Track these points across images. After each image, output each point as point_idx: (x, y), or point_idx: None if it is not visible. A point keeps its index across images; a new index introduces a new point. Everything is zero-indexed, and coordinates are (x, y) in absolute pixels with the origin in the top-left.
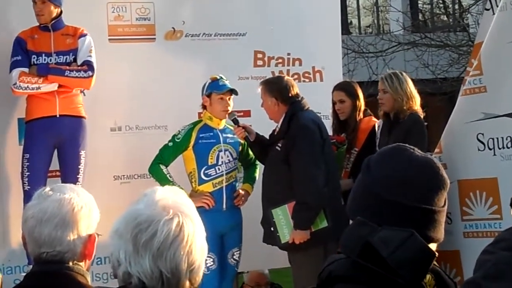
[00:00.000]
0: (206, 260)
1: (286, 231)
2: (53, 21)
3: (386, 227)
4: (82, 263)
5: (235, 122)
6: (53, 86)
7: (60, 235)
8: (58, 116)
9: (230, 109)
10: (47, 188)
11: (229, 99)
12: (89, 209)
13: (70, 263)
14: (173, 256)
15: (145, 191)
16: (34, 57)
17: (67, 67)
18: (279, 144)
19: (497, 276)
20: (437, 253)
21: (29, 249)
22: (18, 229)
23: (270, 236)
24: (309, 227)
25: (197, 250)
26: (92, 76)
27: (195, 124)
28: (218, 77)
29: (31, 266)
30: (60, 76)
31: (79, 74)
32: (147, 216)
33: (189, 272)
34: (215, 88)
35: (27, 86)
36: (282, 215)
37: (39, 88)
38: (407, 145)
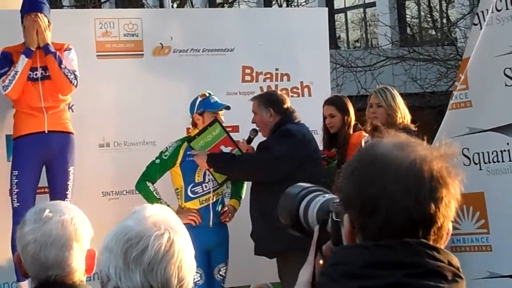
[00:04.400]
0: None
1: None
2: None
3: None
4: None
5: (249, 140)
6: (27, 64)
7: (67, 256)
8: (46, 132)
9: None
10: (46, 210)
11: (221, 115)
12: (87, 226)
13: (78, 281)
14: (163, 271)
15: (134, 209)
16: None
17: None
18: None
19: None
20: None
21: (31, 273)
22: (6, 246)
23: (260, 246)
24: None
25: (187, 266)
26: (75, 86)
27: (183, 140)
28: (207, 94)
29: (21, 284)
30: (57, 63)
31: (69, 76)
32: (137, 232)
33: None
34: (208, 107)
35: (9, 80)
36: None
37: (16, 72)
38: None
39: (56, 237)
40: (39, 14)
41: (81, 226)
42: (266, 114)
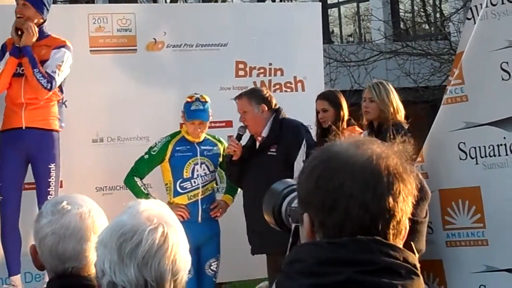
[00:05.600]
0: None
1: None
2: None
3: None
4: None
5: (238, 137)
6: (9, 62)
7: (85, 248)
8: (24, 128)
9: (202, 135)
10: (63, 203)
11: (200, 124)
12: (104, 219)
13: (93, 274)
14: (157, 265)
15: (129, 203)
16: None
17: (40, 68)
18: (272, 150)
19: None
20: (419, 264)
21: (48, 265)
22: None
23: (259, 245)
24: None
25: (181, 260)
26: (49, 90)
27: (172, 136)
28: (195, 98)
29: (13, 278)
30: (31, 67)
31: (42, 81)
32: (131, 226)
33: (173, 282)
34: (185, 112)
35: None
36: None
37: None
38: None
39: (75, 230)
40: (36, 10)
41: (99, 218)
42: (258, 111)
